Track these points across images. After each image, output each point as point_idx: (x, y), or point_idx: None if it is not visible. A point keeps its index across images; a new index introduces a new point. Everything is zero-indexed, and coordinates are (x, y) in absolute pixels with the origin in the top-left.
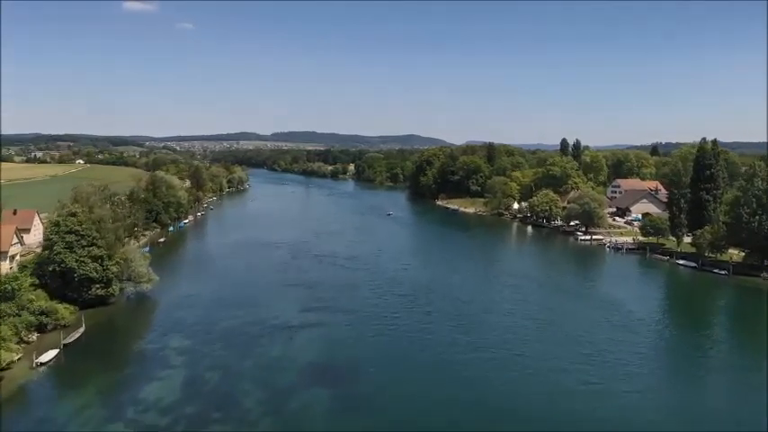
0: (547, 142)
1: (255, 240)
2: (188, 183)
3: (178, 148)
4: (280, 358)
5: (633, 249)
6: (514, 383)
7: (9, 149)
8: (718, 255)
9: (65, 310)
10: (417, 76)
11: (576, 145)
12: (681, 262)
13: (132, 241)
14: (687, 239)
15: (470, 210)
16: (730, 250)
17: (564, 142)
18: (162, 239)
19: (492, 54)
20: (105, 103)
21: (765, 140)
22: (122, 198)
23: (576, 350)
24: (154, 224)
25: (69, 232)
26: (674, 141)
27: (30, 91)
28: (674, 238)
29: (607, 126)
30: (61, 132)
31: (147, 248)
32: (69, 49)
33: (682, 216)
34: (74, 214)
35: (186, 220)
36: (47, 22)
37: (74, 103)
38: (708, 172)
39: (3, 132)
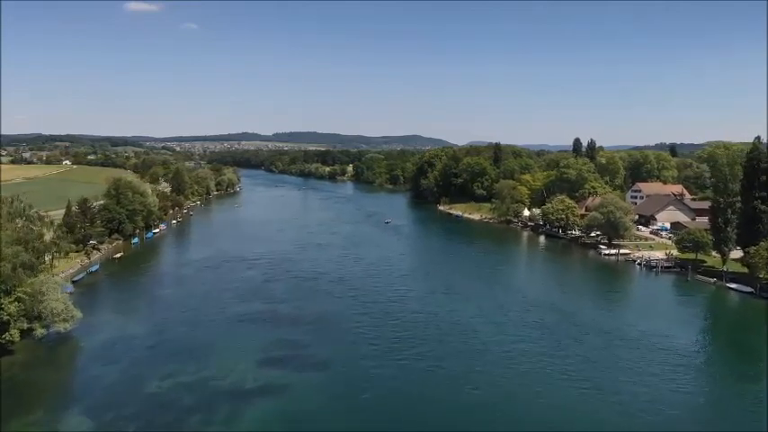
0: (551, 143)
1: (228, 256)
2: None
3: (178, 149)
4: None
5: (669, 267)
6: None
7: (5, 150)
8: None
9: None
10: (419, 76)
11: (591, 145)
12: (732, 286)
13: (81, 258)
14: (732, 256)
15: (476, 216)
16: None
17: (576, 142)
18: (119, 255)
19: (494, 53)
20: (107, 104)
21: (765, 141)
22: (41, 212)
23: None
24: (117, 235)
25: None
26: (678, 142)
27: (31, 91)
28: (717, 255)
29: (608, 127)
30: (62, 133)
31: (96, 267)
32: (71, 50)
33: (728, 229)
34: None
35: (157, 230)
36: (49, 23)
37: (75, 104)
38: (764, 177)
39: (3, 132)
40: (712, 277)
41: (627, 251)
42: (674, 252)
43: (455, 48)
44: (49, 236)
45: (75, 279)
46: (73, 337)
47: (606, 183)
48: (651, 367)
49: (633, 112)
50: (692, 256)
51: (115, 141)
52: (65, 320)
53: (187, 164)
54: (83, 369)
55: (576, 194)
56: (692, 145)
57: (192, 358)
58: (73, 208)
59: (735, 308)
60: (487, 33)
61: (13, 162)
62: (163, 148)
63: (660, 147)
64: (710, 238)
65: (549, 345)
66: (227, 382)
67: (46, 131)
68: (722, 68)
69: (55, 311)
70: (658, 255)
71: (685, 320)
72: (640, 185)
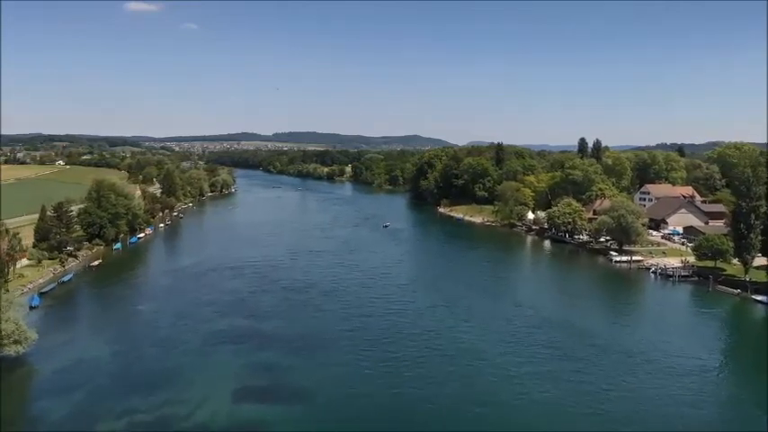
0: (552, 143)
1: (215, 263)
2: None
3: (177, 149)
4: None
5: (687, 276)
6: None
7: (1, 150)
8: None
9: None
10: (419, 76)
11: (597, 145)
12: (759, 298)
13: (55, 267)
14: (754, 263)
15: (477, 219)
16: None
17: (582, 142)
18: (97, 262)
19: (494, 53)
20: (107, 104)
21: (765, 141)
22: None
23: None
24: (98, 241)
25: None
26: (678, 142)
27: (31, 91)
28: (738, 263)
29: (609, 127)
30: (62, 133)
31: (69, 276)
32: (71, 50)
33: (751, 235)
34: None
35: (142, 234)
36: (49, 23)
37: (75, 104)
38: None
39: (3, 132)
40: (735, 287)
41: (639, 258)
42: (690, 259)
43: (455, 48)
44: (3, 245)
45: (44, 290)
46: (27, 361)
47: (612, 184)
48: (681, 395)
49: (633, 112)
50: (710, 263)
51: (114, 141)
52: (17, 342)
53: (183, 164)
54: (30, 400)
55: (583, 197)
56: (693, 145)
57: (157, 388)
58: (48, 212)
59: (763, 323)
60: (487, 33)
61: (6, 162)
62: (162, 148)
63: (661, 147)
64: (731, 244)
65: (563, 368)
66: (194, 420)
67: (45, 131)
68: (722, 68)
69: (5, 332)
70: (674, 262)
71: (711, 337)
72: (649, 187)
